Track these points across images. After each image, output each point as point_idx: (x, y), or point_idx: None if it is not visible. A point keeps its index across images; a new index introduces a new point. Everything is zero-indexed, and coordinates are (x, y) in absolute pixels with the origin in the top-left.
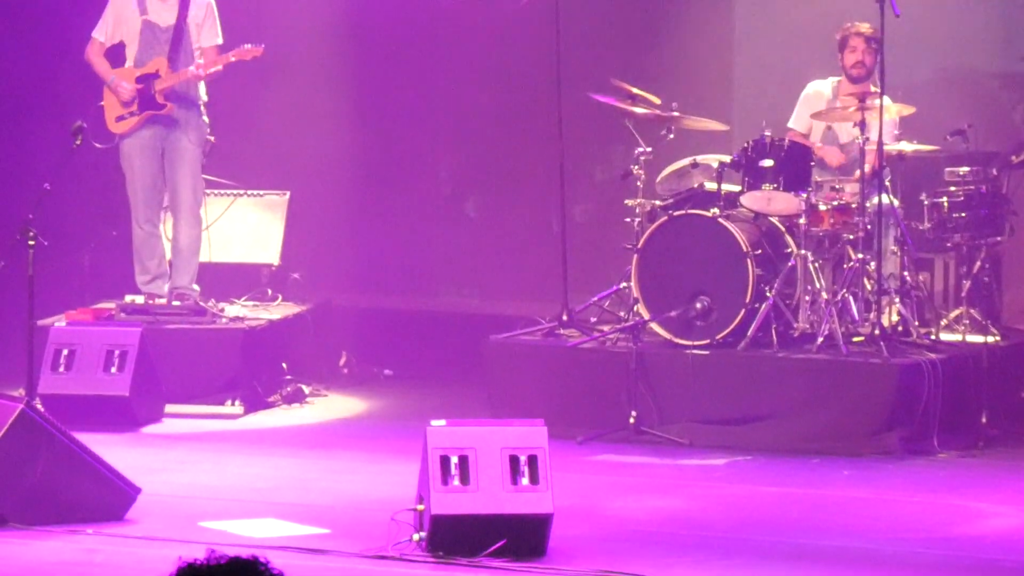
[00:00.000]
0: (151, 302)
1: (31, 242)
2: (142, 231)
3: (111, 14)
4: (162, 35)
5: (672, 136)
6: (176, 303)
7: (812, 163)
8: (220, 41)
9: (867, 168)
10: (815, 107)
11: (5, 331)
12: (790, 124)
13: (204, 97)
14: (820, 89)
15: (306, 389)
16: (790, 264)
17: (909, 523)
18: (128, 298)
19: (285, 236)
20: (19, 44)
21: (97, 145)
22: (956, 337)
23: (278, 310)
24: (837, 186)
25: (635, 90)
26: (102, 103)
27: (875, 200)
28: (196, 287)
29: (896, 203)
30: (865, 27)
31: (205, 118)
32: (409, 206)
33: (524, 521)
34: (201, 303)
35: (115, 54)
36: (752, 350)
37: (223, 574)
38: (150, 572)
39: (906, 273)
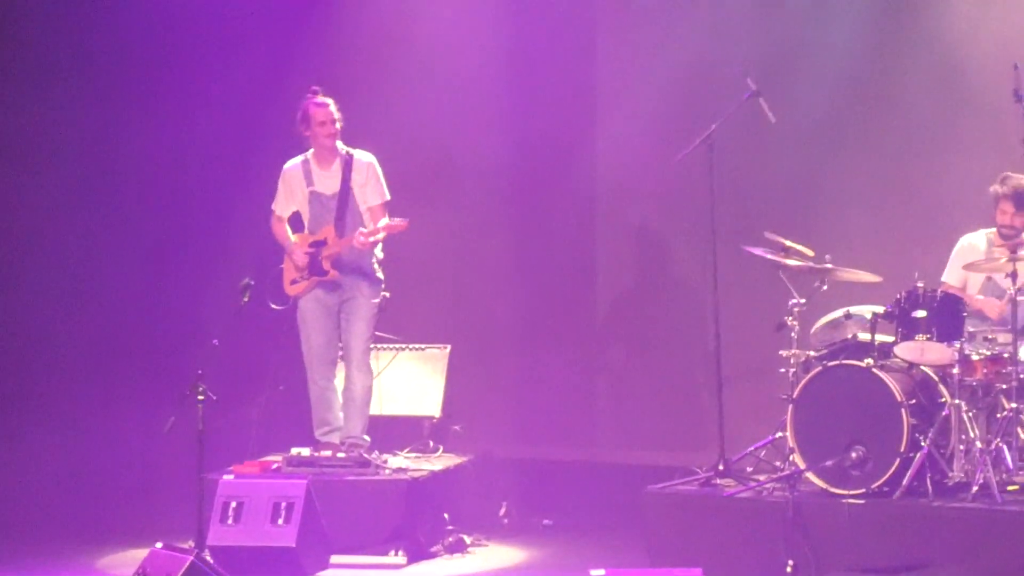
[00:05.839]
0: (316, 454)
1: (200, 397)
2: (317, 387)
3: (283, 188)
4: (328, 203)
5: (825, 287)
6: (341, 455)
7: (965, 314)
8: (387, 198)
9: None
10: (968, 259)
11: (176, 484)
12: (944, 278)
13: (379, 255)
14: (974, 242)
15: (467, 539)
16: (944, 414)
17: None
18: (294, 451)
19: (446, 389)
20: (198, 202)
21: (273, 306)
22: None
23: (440, 461)
24: (990, 336)
25: (788, 243)
26: (282, 267)
27: None
28: (367, 437)
29: None
30: (1017, 185)
31: (380, 275)
32: (566, 358)
33: None
34: (366, 455)
35: (297, 219)
36: (907, 499)
37: None
38: None
39: None
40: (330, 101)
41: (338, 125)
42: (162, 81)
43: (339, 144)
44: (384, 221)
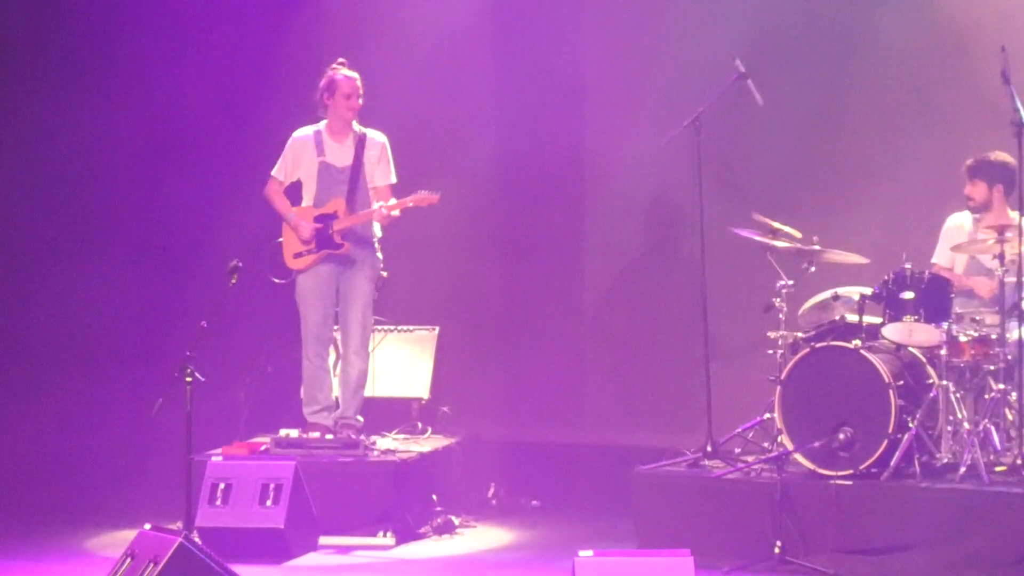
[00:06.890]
0: (305, 435)
1: (189, 379)
2: (311, 364)
3: (290, 155)
4: (338, 176)
5: (813, 269)
6: (329, 436)
7: (952, 294)
8: (394, 180)
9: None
10: (955, 240)
11: (164, 465)
12: (934, 259)
13: (379, 234)
14: (960, 222)
15: (456, 520)
16: (932, 395)
17: None
18: (283, 432)
19: (434, 370)
20: (185, 184)
21: (275, 280)
22: None
23: (428, 443)
24: (978, 317)
25: (776, 224)
26: (280, 239)
27: (1015, 330)
28: (360, 418)
29: None
30: (974, 158)
31: (379, 254)
32: (555, 340)
33: None
34: (353, 436)
35: (290, 192)
36: (895, 480)
37: None
38: None
39: None
40: (356, 75)
41: (360, 101)
42: (147, 61)
43: (354, 122)
44: (393, 199)
